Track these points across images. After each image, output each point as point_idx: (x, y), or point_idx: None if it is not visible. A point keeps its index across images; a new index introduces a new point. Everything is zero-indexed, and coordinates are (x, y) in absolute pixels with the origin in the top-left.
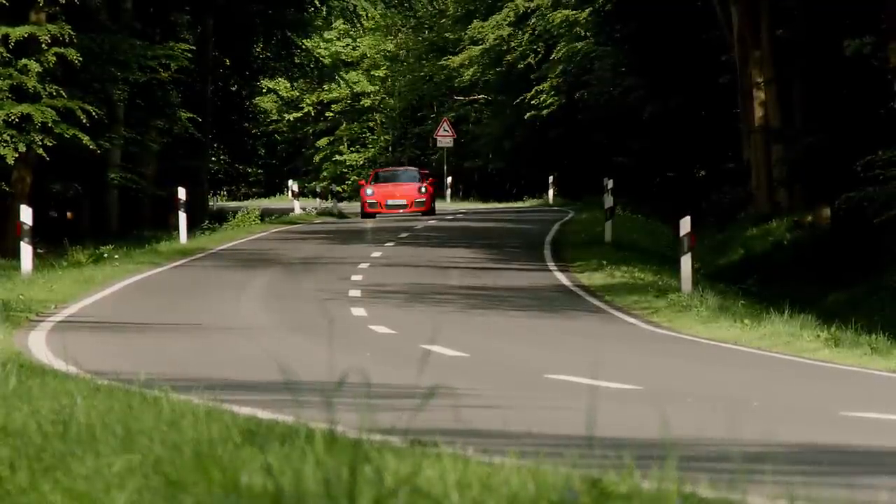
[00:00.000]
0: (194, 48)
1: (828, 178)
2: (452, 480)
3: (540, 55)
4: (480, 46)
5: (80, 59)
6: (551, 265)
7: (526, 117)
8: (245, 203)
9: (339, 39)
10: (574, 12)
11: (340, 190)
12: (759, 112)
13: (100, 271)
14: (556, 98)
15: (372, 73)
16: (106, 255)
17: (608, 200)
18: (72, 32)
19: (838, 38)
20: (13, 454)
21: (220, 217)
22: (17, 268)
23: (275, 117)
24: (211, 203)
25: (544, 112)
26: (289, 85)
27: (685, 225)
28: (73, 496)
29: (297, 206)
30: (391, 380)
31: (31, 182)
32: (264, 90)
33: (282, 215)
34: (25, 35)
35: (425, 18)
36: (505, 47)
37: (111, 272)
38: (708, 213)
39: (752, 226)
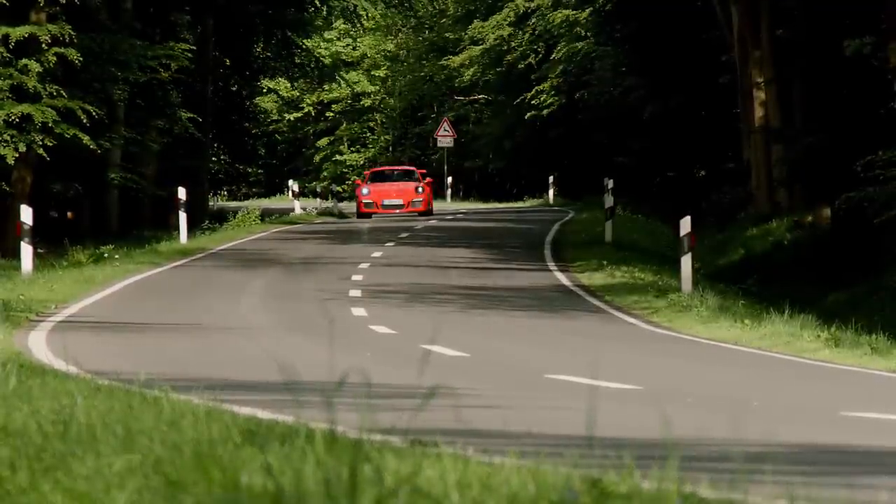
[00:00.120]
0: (194, 48)
1: (828, 178)
2: (452, 480)
3: (540, 55)
4: (481, 46)
5: (81, 59)
6: (551, 265)
7: (526, 117)
8: (245, 203)
9: (339, 39)
10: (574, 12)
11: (341, 190)
12: (759, 112)
13: (100, 271)
14: (556, 98)
15: (372, 73)
16: (106, 255)
17: (608, 200)
18: (72, 32)
19: (838, 38)
20: (13, 454)
21: (221, 217)
22: (18, 268)
23: (275, 117)
24: (211, 203)
25: (544, 112)
26: (289, 85)
27: (685, 225)
28: (73, 496)
29: (297, 206)
30: (391, 380)
31: (32, 182)
32: (264, 90)
33: (282, 215)
34: (26, 35)
35: (425, 18)
36: (505, 47)
37: (111, 272)
38: (708, 213)
39: (752, 226)
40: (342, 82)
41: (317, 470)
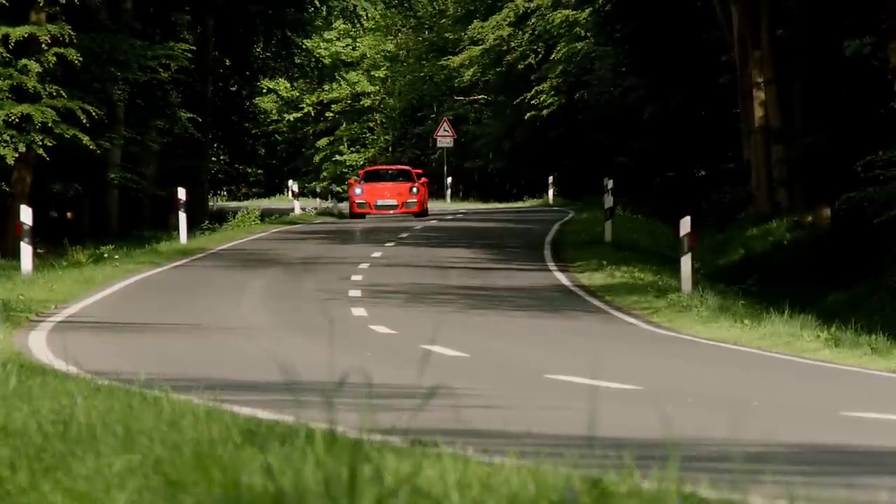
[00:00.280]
0: (194, 48)
1: (828, 178)
2: (452, 480)
3: (540, 55)
4: (480, 46)
5: (80, 59)
6: (551, 265)
7: (526, 117)
8: (245, 203)
9: (339, 39)
10: (574, 12)
11: (340, 190)
12: (759, 112)
13: (100, 271)
14: (556, 98)
15: (372, 73)
16: (106, 255)
17: (608, 200)
18: (72, 32)
19: (838, 38)
20: (13, 454)
21: (220, 217)
22: (18, 268)
23: (275, 117)
24: (211, 203)
25: (544, 112)
26: (289, 85)
27: (685, 225)
28: (73, 496)
29: (297, 206)
30: (391, 380)
31: (31, 182)
32: (264, 90)
33: (282, 215)
34: (25, 35)
35: (425, 18)
36: (505, 47)
37: (111, 272)
38: (708, 213)
39: (752, 226)
40: (342, 82)
41: (317, 470)
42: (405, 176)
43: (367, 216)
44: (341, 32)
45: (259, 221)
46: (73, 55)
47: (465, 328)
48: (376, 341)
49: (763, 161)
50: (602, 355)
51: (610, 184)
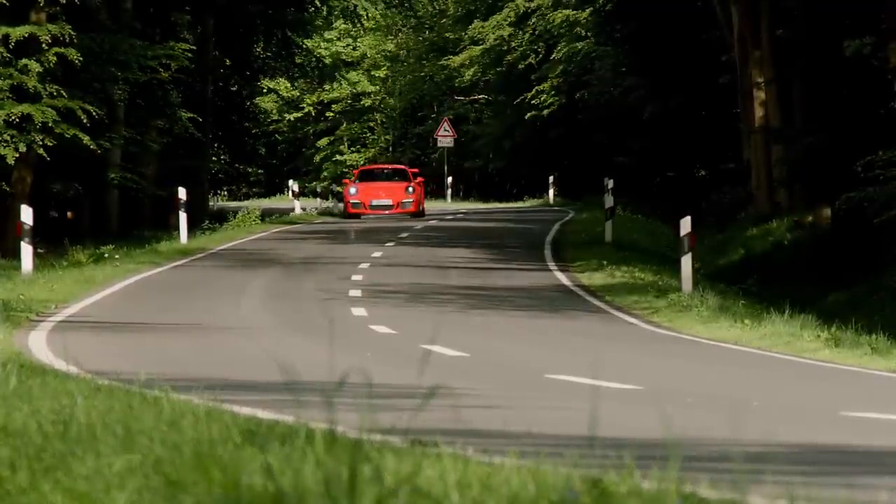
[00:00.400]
0: (194, 48)
1: (828, 178)
2: (452, 480)
3: (540, 55)
4: (481, 46)
5: (81, 59)
6: (551, 265)
7: (526, 117)
8: (245, 203)
9: (339, 39)
10: (574, 12)
11: (340, 190)
12: (759, 112)
13: (100, 271)
14: (556, 98)
15: (372, 73)
16: (106, 255)
17: (608, 200)
18: (72, 32)
19: (838, 38)
20: (13, 454)
21: (221, 217)
22: (18, 268)
23: (275, 117)
24: (211, 203)
25: (545, 112)
26: (289, 85)
27: (685, 225)
28: (73, 496)
29: (297, 205)
30: (391, 380)
31: (32, 182)
32: (264, 90)
33: (282, 215)
34: (26, 35)
35: (426, 18)
36: (505, 47)
37: (111, 272)
38: (708, 213)
39: (752, 226)
40: (343, 82)
41: (317, 470)
42: (401, 175)
43: (363, 216)
44: (341, 32)
45: (259, 221)
46: (73, 55)
47: (465, 328)
48: (376, 341)
49: (763, 161)
50: (602, 355)
51: (610, 184)
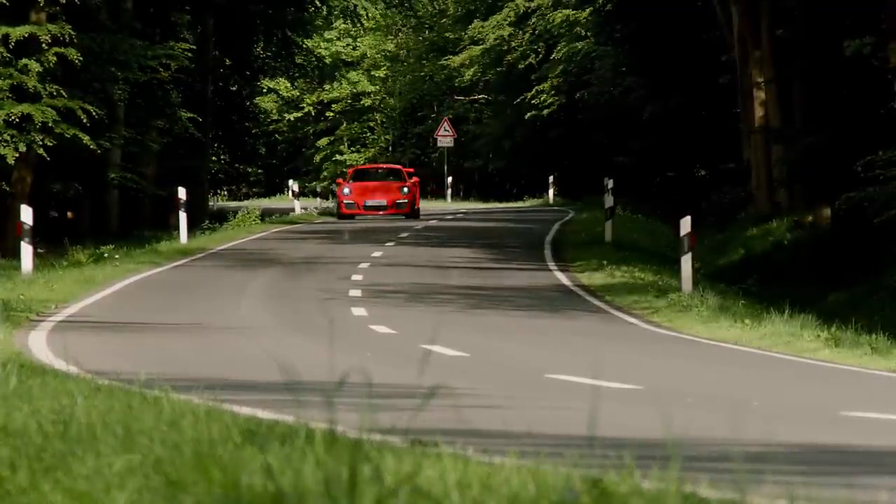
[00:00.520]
0: (194, 48)
1: (828, 178)
2: (452, 480)
3: (540, 55)
4: (481, 46)
5: (81, 58)
6: (551, 265)
7: (526, 117)
8: (245, 203)
9: (339, 39)
10: (574, 12)
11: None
12: (759, 112)
13: (100, 271)
14: (556, 98)
15: (372, 73)
16: (106, 255)
17: (608, 200)
18: (72, 32)
19: (838, 38)
20: (13, 454)
21: (221, 217)
22: (18, 268)
23: (275, 117)
24: (211, 203)
25: (545, 112)
26: (289, 85)
27: (685, 225)
28: (73, 496)
29: (297, 205)
30: (392, 380)
31: (32, 182)
32: (264, 90)
33: (282, 215)
34: (26, 35)
35: (426, 18)
36: (505, 47)
37: (111, 272)
38: (708, 213)
39: (752, 226)
40: (343, 81)
41: (317, 470)
42: (396, 175)
43: (356, 217)
44: (341, 32)
45: (259, 221)
46: (73, 55)
47: (465, 328)
48: (376, 341)
49: (763, 161)
50: (602, 355)
51: (610, 184)
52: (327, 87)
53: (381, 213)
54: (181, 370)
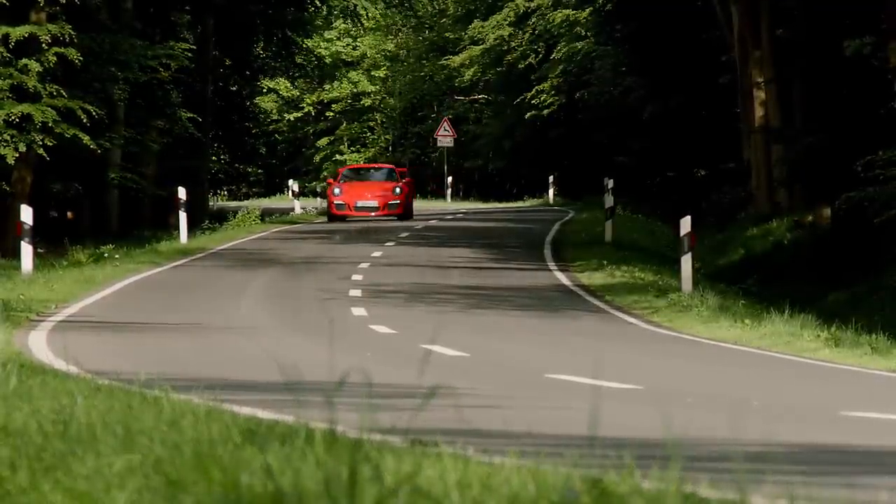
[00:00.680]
0: (194, 48)
1: (828, 178)
2: (453, 480)
3: (540, 55)
4: (481, 46)
5: (81, 58)
6: (551, 265)
7: (526, 117)
8: (245, 203)
9: (339, 39)
10: (574, 12)
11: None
12: (759, 112)
13: (100, 271)
14: (556, 98)
15: (372, 72)
16: (106, 255)
17: (608, 200)
18: (72, 32)
19: (838, 38)
20: (13, 454)
21: (221, 217)
22: (18, 267)
23: (275, 117)
24: (211, 203)
25: (545, 112)
26: (289, 85)
27: (685, 225)
28: (73, 496)
29: (297, 205)
30: (392, 380)
31: (32, 182)
32: (264, 90)
33: (282, 215)
34: (26, 35)
35: (425, 18)
36: (505, 47)
37: (111, 272)
38: (708, 213)
39: (752, 226)
40: (344, 80)
41: (317, 470)
42: (388, 175)
43: (347, 218)
44: (341, 32)
45: (259, 221)
46: (73, 55)
47: (465, 328)
48: (376, 341)
49: (763, 161)
50: (602, 355)
51: (610, 184)
52: (327, 87)
53: (372, 213)
54: (181, 370)
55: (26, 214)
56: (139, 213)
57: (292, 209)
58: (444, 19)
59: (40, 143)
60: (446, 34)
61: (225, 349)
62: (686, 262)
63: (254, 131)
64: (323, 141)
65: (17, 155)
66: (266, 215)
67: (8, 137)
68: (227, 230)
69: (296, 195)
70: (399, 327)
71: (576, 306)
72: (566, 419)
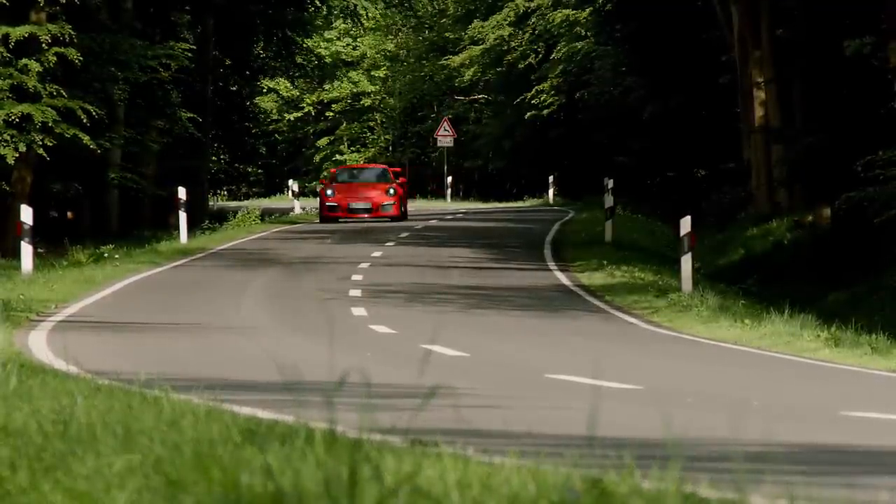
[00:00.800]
0: (194, 48)
1: (828, 178)
2: (453, 480)
3: (540, 55)
4: (481, 46)
5: (81, 58)
6: (551, 265)
7: (526, 117)
8: (245, 203)
9: (339, 39)
10: (574, 12)
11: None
12: (759, 112)
13: (100, 271)
14: (556, 98)
15: (372, 72)
16: (106, 255)
17: (608, 200)
18: (72, 32)
19: (838, 38)
20: (14, 454)
21: (221, 217)
22: (18, 267)
23: (275, 117)
24: (211, 203)
25: (544, 112)
26: (289, 85)
27: (685, 225)
28: (73, 496)
29: (297, 205)
30: (392, 380)
31: (32, 182)
32: (264, 90)
33: (282, 215)
34: (26, 35)
35: (425, 18)
36: (505, 47)
37: (111, 272)
38: (708, 213)
39: (752, 226)
40: (344, 80)
41: (317, 470)
42: (381, 175)
43: (340, 220)
44: (341, 32)
45: (259, 221)
46: (73, 55)
47: (465, 328)
48: (376, 341)
49: (763, 161)
50: (602, 355)
51: (610, 183)
52: (327, 87)
53: (366, 215)
54: (181, 370)
55: (26, 214)
56: (139, 213)
57: (292, 209)
58: (444, 19)
59: (40, 143)
60: (446, 34)
61: (225, 349)
62: (686, 262)
63: (254, 131)
64: (323, 141)
65: (17, 155)
66: (266, 215)
67: (8, 137)
68: (227, 230)
69: (296, 195)
70: (399, 327)
71: (576, 306)
72: (566, 419)
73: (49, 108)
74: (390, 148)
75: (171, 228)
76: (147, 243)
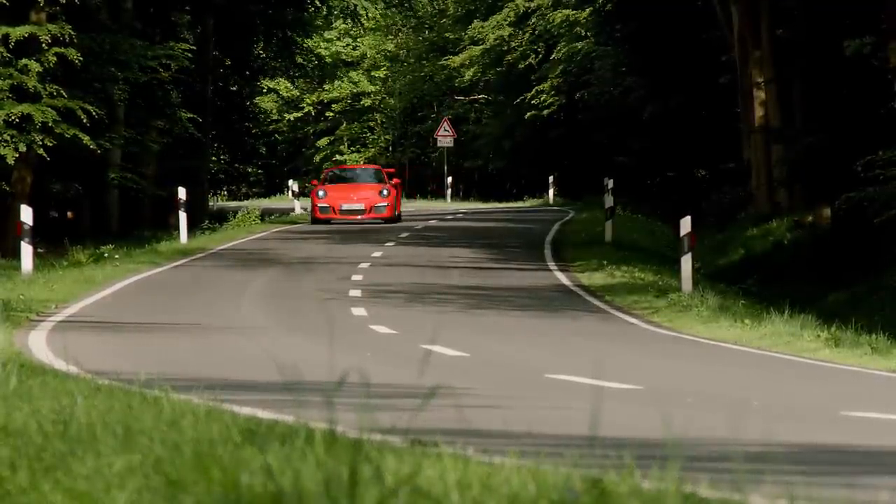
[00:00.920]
0: (194, 48)
1: (828, 178)
2: (453, 480)
3: (540, 55)
4: (481, 46)
5: (81, 58)
6: (551, 265)
7: (526, 117)
8: (245, 203)
9: (339, 39)
10: (574, 12)
11: None
12: (759, 112)
13: (100, 271)
14: (556, 98)
15: (372, 73)
16: (106, 255)
17: (608, 200)
18: (72, 32)
19: (838, 38)
20: (13, 454)
21: (221, 217)
22: (18, 268)
23: (275, 117)
24: (211, 203)
25: (545, 112)
26: (289, 85)
27: (685, 225)
28: (73, 496)
29: (297, 205)
30: (391, 380)
31: (32, 182)
32: (264, 90)
33: (282, 215)
34: (26, 35)
35: (425, 18)
36: (505, 47)
37: (111, 272)
38: (708, 213)
39: (752, 226)
40: (345, 79)
41: (317, 470)
42: (374, 176)
43: (332, 222)
44: (341, 32)
45: (259, 221)
46: (73, 55)
47: (465, 328)
48: (376, 341)
49: (763, 161)
50: (602, 355)
51: (610, 184)
52: (327, 87)
53: (358, 217)
54: (181, 370)
55: (26, 214)
56: (139, 213)
57: (292, 209)
58: (444, 19)
59: (40, 143)
60: (446, 34)
61: (225, 349)
62: (686, 262)
63: (254, 131)
64: (323, 141)
65: (17, 155)
66: (266, 215)
67: (8, 137)
68: (226, 230)
69: (296, 195)
70: (399, 327)
71: (576, 306)
72: (566, 419)
73: (49, 109)
74: (390, 148)
75: (171, 228)
76: (147, 243)
